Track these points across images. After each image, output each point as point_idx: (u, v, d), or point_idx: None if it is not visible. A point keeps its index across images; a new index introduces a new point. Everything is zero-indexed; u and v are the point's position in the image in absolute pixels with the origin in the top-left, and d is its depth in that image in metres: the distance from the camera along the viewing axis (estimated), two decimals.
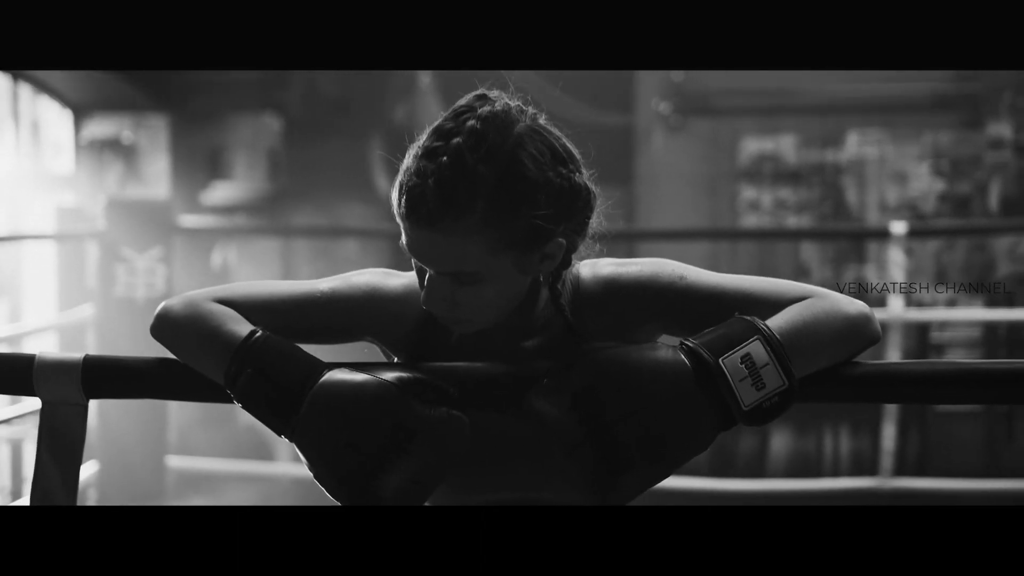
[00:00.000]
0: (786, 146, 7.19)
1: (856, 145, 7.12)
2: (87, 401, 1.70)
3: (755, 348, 1.53)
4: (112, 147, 6.95)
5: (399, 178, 1.58)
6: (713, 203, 7.21)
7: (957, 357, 6.66)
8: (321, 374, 1.57)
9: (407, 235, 1.57)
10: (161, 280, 4.80)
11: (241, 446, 5.74)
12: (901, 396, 1.68)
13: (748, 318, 1.57)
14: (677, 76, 7.21)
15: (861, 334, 1.60)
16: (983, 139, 7.04)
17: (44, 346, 5.07)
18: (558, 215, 1.57)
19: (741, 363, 1.52)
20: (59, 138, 6.88)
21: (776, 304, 1.61)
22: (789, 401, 1.53)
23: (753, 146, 7.20)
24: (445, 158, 1.53)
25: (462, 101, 1.60)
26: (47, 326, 4.94)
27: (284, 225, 7.04)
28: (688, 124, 7.27)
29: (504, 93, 1.61)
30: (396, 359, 1.72)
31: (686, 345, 1.56)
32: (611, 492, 1.53)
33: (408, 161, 1.57)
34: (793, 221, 7.05)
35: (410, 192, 1.54)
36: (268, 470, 5.36)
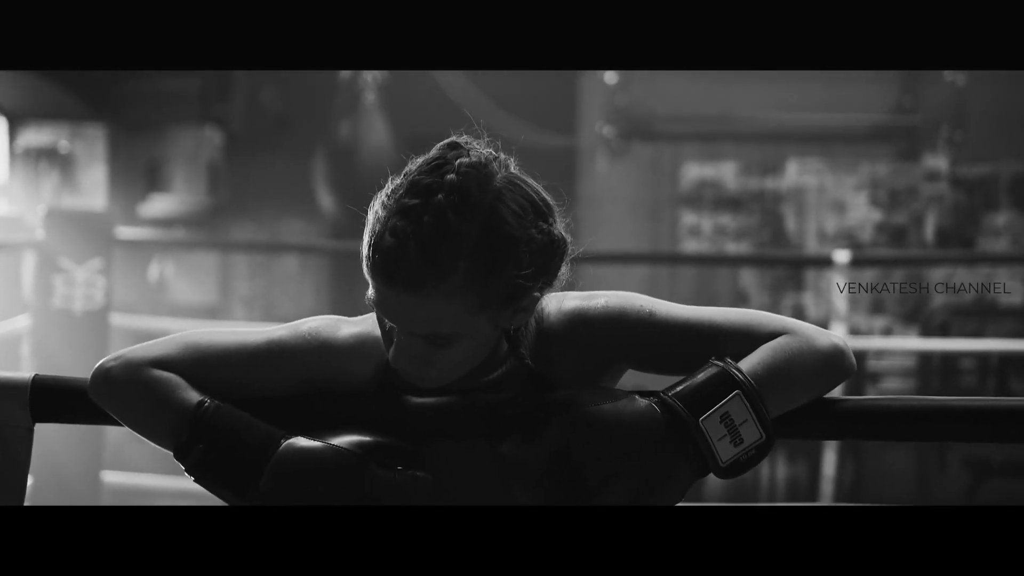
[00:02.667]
0: (727, 173, 7.25)
1: (796, 174, 7.20)
2: (33, 425, 1.61)
3: (734, 405, 1.50)
4: (48, 156, 6.85)
5: (369, 232, 1.49)
6: (654, 228, 7.25)
7: (892, 385, 6.74)
8: (277, 446, 1.52)
9: (379, 294, 1.49)
10: (100, 292, 4.72)
11: (177, 462, 5.64)
12: (878, 433, 1.67)
13: (724, 365, 1.52)
14: (621, 100, 7.24)
15: (836, 369, 1.57)
16: (920, 171, 7.15)
17: None
18: (537, 271, 1.51)
19: (720, 422, 1.50)
20: None
21: (748, 339, 1.57)
22: (766, 452, 1.52)
23: (694, 172, 7.26)
24: (427, 218, 1.45)
25: (433, 152, 1.52)
26: None
27: (224, 239, 6.97)
28: (631, 148, 7.31)
29: (473, 139, 1.54)
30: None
31: (663, 400, 1.52)
32: None
33: (378, 213, 1.49)
34: (732, 247, 7.11)
35: (387, 253, 1.46)
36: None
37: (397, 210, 1.47)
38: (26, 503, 4.85)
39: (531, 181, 1.54)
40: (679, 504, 1.54)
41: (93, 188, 6.90)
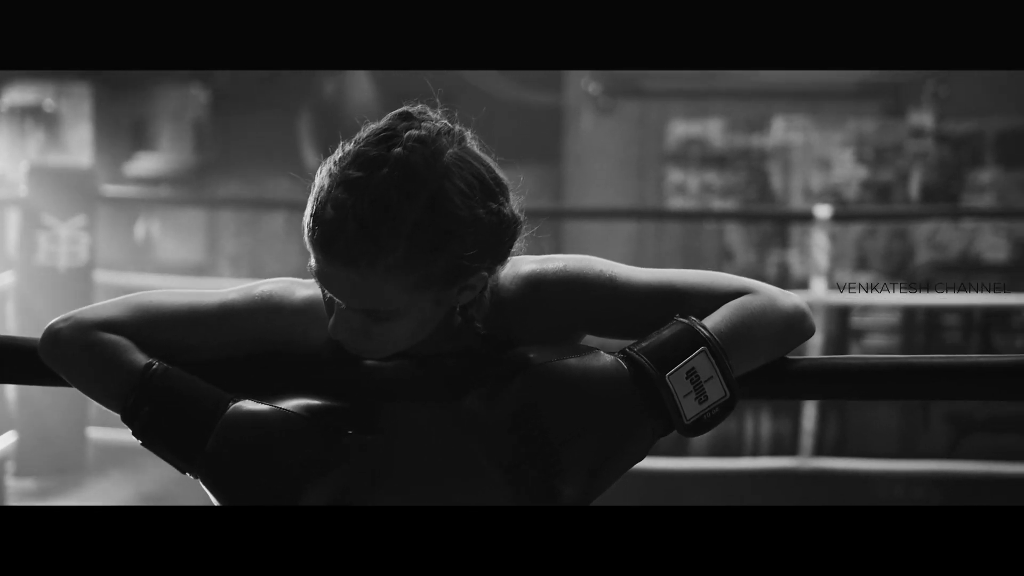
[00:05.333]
0: (713, 130, 7.25)
1: (782, 131, 7.20)
2: None
3: (700, 361, 1.49)
4: (34, 114, 6.83)
5: (311, 200, 1.45)
6: (640, 185, 7.25)
7: (877, 342, 6.77)
8: (226, 407, 1.50)
9: (319, 266, 1.46)
10: (84, 249, 4.73)
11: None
12: (839, 392, 1.68)
13: (689, 323, 1.52)
14: None
15: (798, 330, 1.57)
16: (905, 128, 7.15)
17: None
18: (483, 252, 1.47)
19: (686, 378, 1.49)
20: None
21: (710, 299, 1.55)
22: (730, 410, 1.51)
23: (680, 129, 7.25)
24: (368, 193, 1.42)
25: (384, 121, 1.48)
26: None
27: (211, 196, 6.97)
28: (617, 106, 7.30)
29: (429, 108, 1.50)
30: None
31: (629, 355, 1.51)
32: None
33: (323, 181, 1.45)
34: (719, 205, 7.12)
35: (327, 225, 1.43)
36: None
37: (341, 180, 1.43)
38: (11, 460, 4.85)
39: (484, 157, 1.50)
40: (624, 489, 1.52)
41: (79, 147, 6.88)
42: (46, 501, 4.60)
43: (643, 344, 1.51)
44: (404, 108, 1.49)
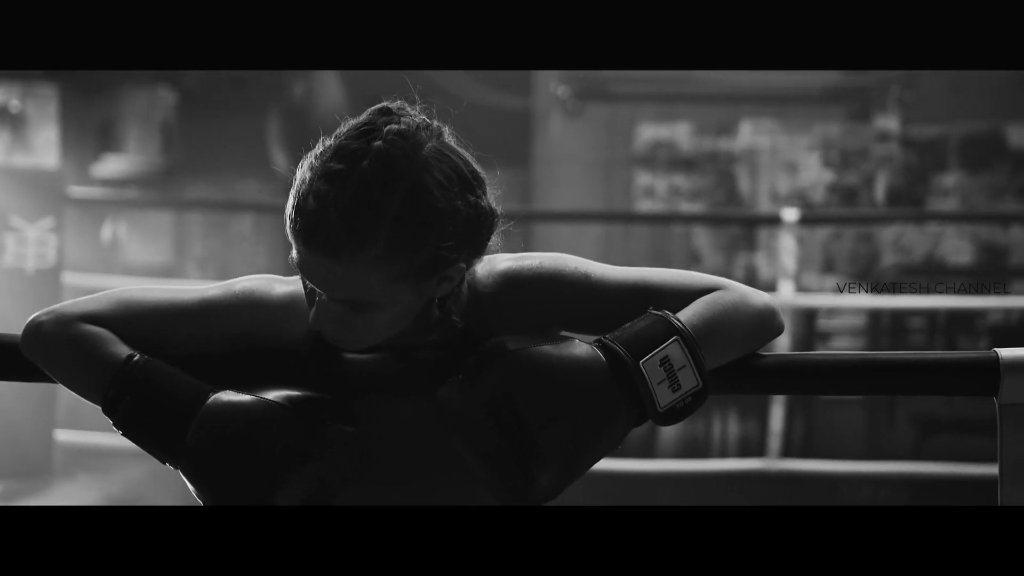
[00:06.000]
0: (681, 133, 7.29)
1: (749, 134, 7.25)
2: None
3: (673, 350, 1.52)
4: None
5: (293, 192, 1.48)
6: (608, 188, 7.29)
7: (842, 345, 6.83)
8: (206, 398, 1.52)
9: (300, 257, 1.49)
10: (52, 251, 4.71)
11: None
12: (806, 387, 1.71)
13: (662, 314, 1.55)
14: None
15: (768, 327, 1.61)
16: (871, 132, 7.22)
17: None
18: (462, 243, 1.51)
19: (660, 365, 1.52)
20: None
21: (682, 295, 1.59)
22: (701, 401, 1.54)
23: (649, 132, 7.29)
24: (349, 185, 1.45)
25: (364, 116, 1.51)
26: None
27: (178, 198, 6.95)
28: (585, 109, 7.33)
29: (407, 105, 1.53)
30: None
31: (604, 343, 1.54)
32: (526, 495, 1.51)
33: (304, 174, 1.48)
34: (687, 207, 7.16)
35: (308, 217, 1.45)
36: None
37: (322, 173, 1.46)
38: None
39: (462, 151, 1.52)
40: (593, 490, 1.54)
41: (45, 148, 6.84)
42: (12, 503, 4.58)
43: (617, 333, 1.54)
44: (384, 104, 1.52)
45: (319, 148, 1.50)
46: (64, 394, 5.32)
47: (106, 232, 6.93)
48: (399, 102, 1.53)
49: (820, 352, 1.74)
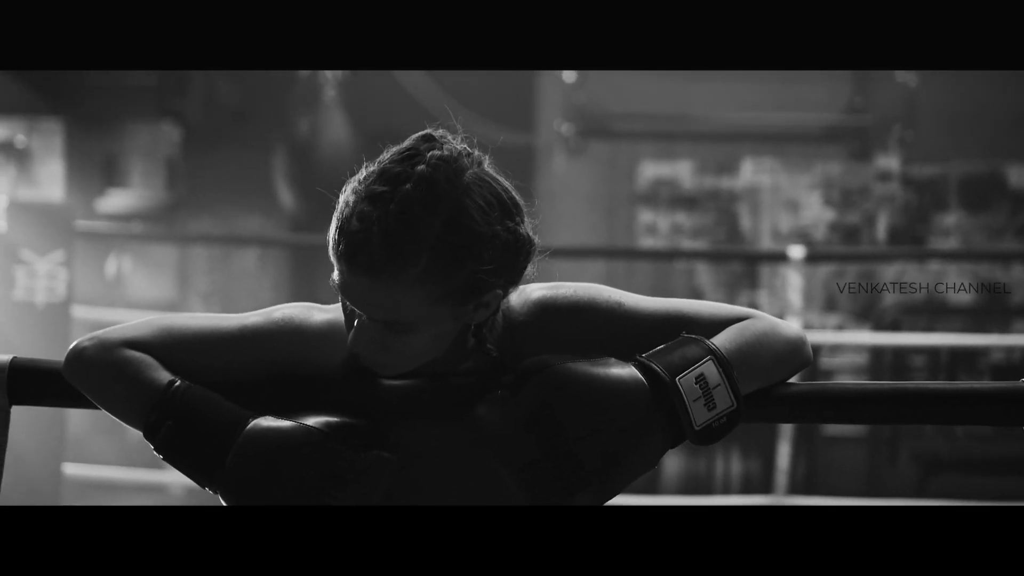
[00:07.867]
0: (683, 171, 7.33)
1: (750, 173, 7.29)
2: (10, 406, 1.64)
3: (708, 368, 1.54)
4: (4, 150, 6.81)
5: (337, 215, 1.52)
6: (611, 225, 7.32)
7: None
8: (245, 424, 1.54)
9: (342, 277, 1.52)
10: (62, 284, 4.72)
11: (136, 455, 5.65)
12: (835, 416, 1.72)
13: (697, 337, 1.57)
14: (578, 98, 7.30)
15: (798, 356, 1.63)
16: (872, 171, 7.26)
17: None
18: (500, 268, 1.53)
19: (696, 383, 1.53)
20: None
21: (714, 324, 1.61)
22: (736, 422, 1.55)
23: (651, 170, 7.33)
24: (393, 206, 1.48)
25: (407, 143, 1.54)
26: None
27: (182, 233, 6.96)
28: (588, 146, 7.38)
29: (448, 134, 1.56)
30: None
31: (641, 362, 1.55)
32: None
33: (348, 198, 1.51)
34: (689, 245, 7.19)
35: (352, 237, 1.49)
36: (163, 479, 5.30)
37: (366, 195, 1.50)
38: None
39: (501, 179, 1.56)
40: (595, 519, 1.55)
41: (50, 182, 6.86)
42: None
43: (652, 353, 1.56)
44: (427, 131, 1.56)
45: (362, 173, 1.53)
46: (72, 427, 5.32)
47: (110, 266, 6.94)
48: (441, 130, 1.57)
49: (850, 382, 1.76)
